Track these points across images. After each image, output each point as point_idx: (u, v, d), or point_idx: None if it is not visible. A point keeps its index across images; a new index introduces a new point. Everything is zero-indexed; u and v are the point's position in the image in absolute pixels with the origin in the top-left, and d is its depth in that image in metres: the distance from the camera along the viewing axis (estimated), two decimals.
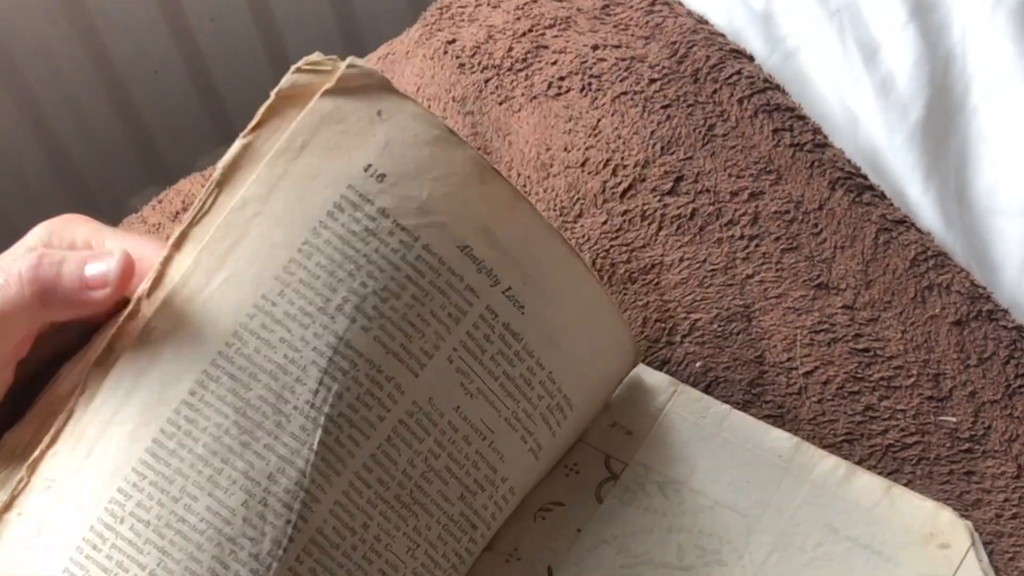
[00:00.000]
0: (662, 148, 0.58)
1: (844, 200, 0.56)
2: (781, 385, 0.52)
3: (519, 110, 0.61)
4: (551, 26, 0.63)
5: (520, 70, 0.62)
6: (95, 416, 0.40)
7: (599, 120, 0.59)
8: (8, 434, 0.42)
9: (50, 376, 0.43)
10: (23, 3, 0.86)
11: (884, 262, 0.54)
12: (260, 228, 0.40)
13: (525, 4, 0.65)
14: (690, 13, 0.63)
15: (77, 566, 0.39)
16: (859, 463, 0.50)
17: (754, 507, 0.48)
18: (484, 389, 0.43)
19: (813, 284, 0.54)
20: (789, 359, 0.52)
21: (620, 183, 0.57)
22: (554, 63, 0.62)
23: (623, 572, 0.47)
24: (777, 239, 0.55)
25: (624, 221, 0.56)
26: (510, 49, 0.63)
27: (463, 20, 0.66)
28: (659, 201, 0.57)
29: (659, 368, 0.52)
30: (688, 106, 0.59)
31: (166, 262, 0.41)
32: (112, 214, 0.61)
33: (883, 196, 0.56)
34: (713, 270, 0.55)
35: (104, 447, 0.40)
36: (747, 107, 0.58)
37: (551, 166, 0.59)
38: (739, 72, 0.59)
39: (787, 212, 0.56)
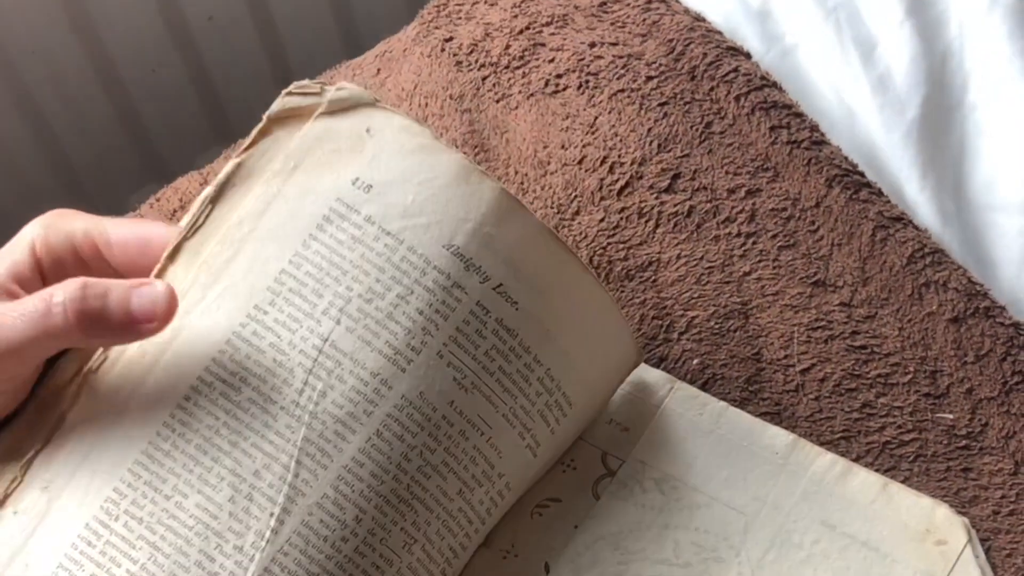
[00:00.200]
0: (659, 146, 0.58)
1: (841, 197, 0.56)
2: (778, 382, 0.52)
3: (516, 108, 0.61)
4: (548, 24, 0.63)
5: (517, 68, 0.62)
6: (93, 420, 0.42)
7: (596, 118, 0.59)
8: (5, 432, 0.43)
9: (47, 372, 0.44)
10: (21, 1, 0.86)
11: (881, 259, 0.54)
12: (254, 243, 0.43)
13: (522, 2, 0.65)
14: (687, 10, 0.63)
15: (72, 562, 0.40)
16: (856, 460, 0.50)
17: (751, 504, 0.48)
18: (479, 384, 0.43)
19: (810, 281, 0.54)
20: (786, 356, 0.52)
21: (617, 180, 0.57)
22: (551, 61, 0.62)
23: (620, 568, 0.47)
24: (774, 236, 0.55)
25: (621, 218, 0.56)
26: (507, 47, 0.63)
27: (460, 18, 0.66)
28: (656, 199, 0.57)
29: (656, 365, 0.52)
30: (685, 103, 0.59)
31: (160, 273, 0.43)
32: (110, 212, 0.61)
33: (880, 193, 0.56)
34: (710, 267, 0.55)
35: (102, 449, 0.41)
36: (744, 104, 0.58)
37: (548, 164, 0.59)
38: (736, 69, 0.59)
39: (784, 209, 0.56)
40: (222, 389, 0.41)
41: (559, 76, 0.61)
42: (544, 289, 0.44)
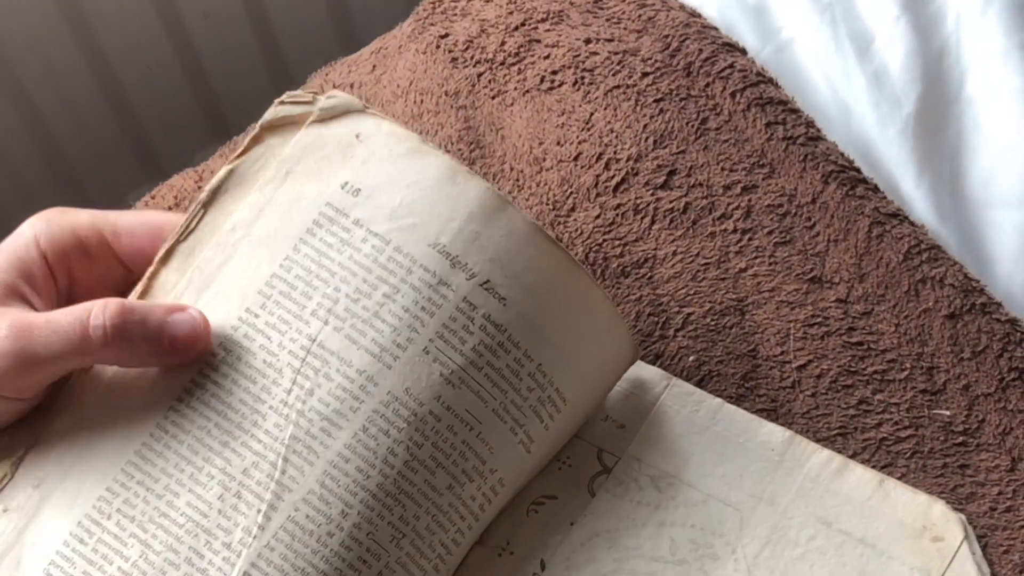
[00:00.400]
0: (655, 142, 0.58)
1: (837, 193, 0.56)
2: (774, 379, 0.52)
3: (512, 104, 0.61)
4: (543, 20, 0.63)
5: (513, 64, 0.62)
6: (87, 420, 0.43)
7: (592, 114, 0.59)
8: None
9: None
10: (18, 1, 0.85)
11: (877, 255, 0.54)
12: (246, 249, 0.44)
13: None
14: (682, 6, 0.63)
15: (63, 559, 0.41)
16: (852, 456, 0.50)
17: (747, 500, 0.48)
18: (467, 379, 0.43)
19: (806, 278, 0.54)
20: (782, 353, 0.52)
21: (613, 177, 0.57)
22: (547, 57, 0.62)
23: (616, 566, 0.47)
24: (770, 233, 0.55)
25: (617, 215, 0.56)
26: (503, 43, 0.63)
27: (456, 14, 0.66)
28: (652, 195, 0.56)
29: (652, 362, 0.52)
30: (681, 100, 0.59)
31: (153, 276, 0.44)
32: (106, 209, 0.61)
33: (876, 189, 0.56)
34: (706, 264, 0.55)
35: (96, 449, 0.42)
36: (740, 101, 0.58)
37: (544, 160, 0.59)
38: (732, 66, 0.59)
39: (780, 206, 0.56)
40: (214, 390, 0.42)
41: (554, 72, 0.61)
42: (534, 285, 0.44)
